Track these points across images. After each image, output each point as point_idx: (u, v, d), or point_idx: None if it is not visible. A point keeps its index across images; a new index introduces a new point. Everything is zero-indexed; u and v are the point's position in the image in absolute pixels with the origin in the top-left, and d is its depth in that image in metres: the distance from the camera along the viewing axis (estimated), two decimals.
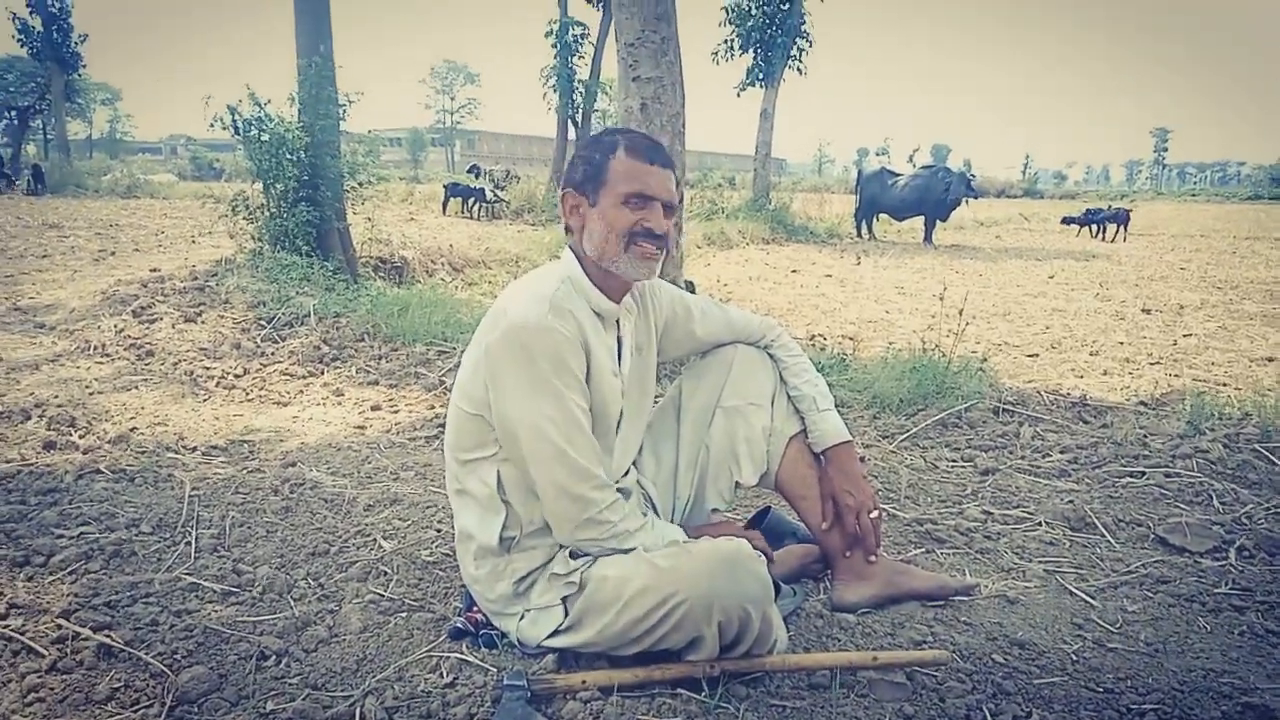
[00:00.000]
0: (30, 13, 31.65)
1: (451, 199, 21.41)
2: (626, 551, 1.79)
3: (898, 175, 18.61)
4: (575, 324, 1.79)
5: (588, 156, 1.88)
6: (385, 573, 2.32)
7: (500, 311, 1.81)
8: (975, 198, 18.43)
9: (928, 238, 17.75)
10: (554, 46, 24.82)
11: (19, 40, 32.04)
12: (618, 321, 1.97)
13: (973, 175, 18.37)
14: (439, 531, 2.58)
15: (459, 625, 1.99)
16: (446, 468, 1.99)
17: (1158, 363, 5.82)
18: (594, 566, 1.80)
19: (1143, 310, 8.38)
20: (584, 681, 1.72)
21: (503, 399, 1.77)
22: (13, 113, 38.69)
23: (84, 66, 34.87)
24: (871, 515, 2.10)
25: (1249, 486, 3.07)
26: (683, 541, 1.85)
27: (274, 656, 1.89)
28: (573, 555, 1.85)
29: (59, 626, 1.95)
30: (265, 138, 7.43)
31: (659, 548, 1.80)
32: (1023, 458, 3.44)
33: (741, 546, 1.73)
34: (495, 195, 20.92)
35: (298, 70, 7.56)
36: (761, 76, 20.75)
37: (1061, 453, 3.47)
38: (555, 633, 1.84)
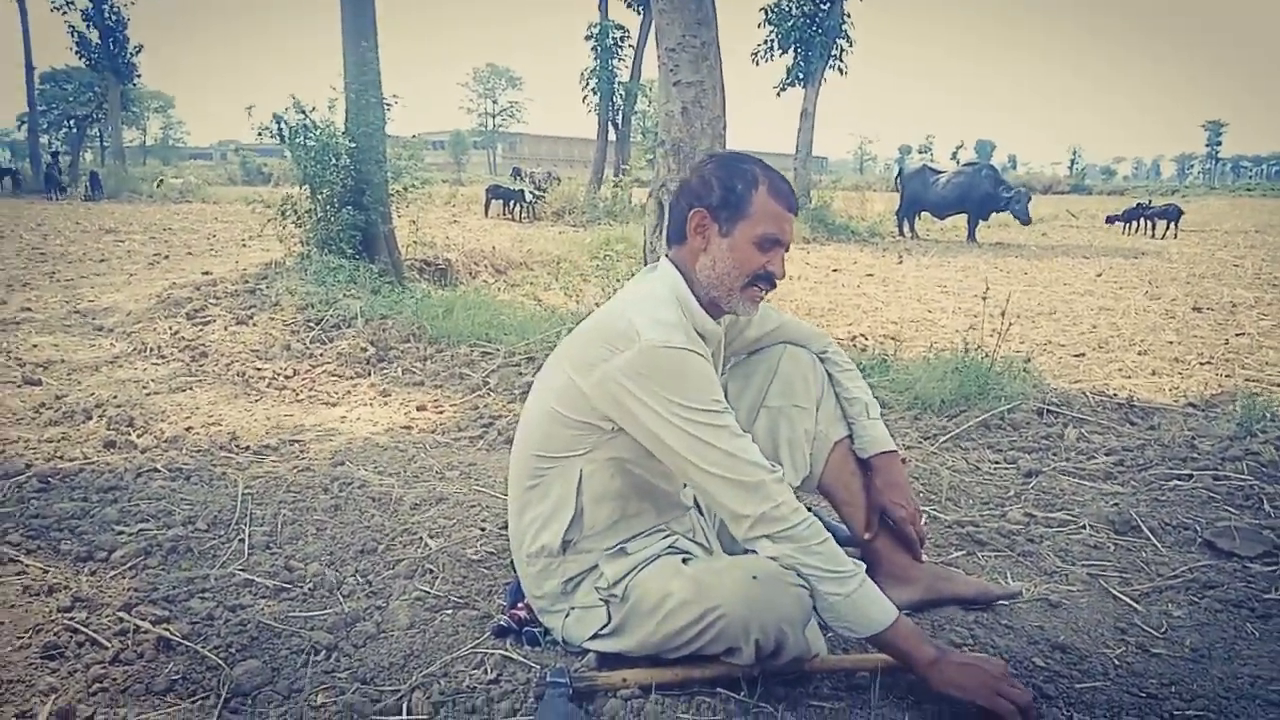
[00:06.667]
0: (87, 26, 32.55)
1: (493, 201, 21.72)
2: (806, 568, 1.69)
3: (939, 173, 18.40)
4: (703, 347, 1.79)
5: (728, 182, 1.80)
6: (431, 570, 2.38)
7: (628, 331, 1.73)
8: (1019, 204, 17.79)
9: (971, 236, 17.52)
10: (594, 49, 24.92)
11: (76, 52, 32.98)
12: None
13: (1009, 186, 17.83)
14: (483, 530, 2.63)
15: (503, 623, 2.03)
16: (517, 465, 1.96)
17: (1208, 363, 5.69)
18: (637, 576, 1.82)
19: (1194, 309, 8.19)
20: (625, 680, 1.75)
21: (652, 421, 1.71)
22: (71, 121, 40.04)
23: (139, 76, 35.73)
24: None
25: None
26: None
27: (324, 651, 1.95)
28: (614, 559, 1.86)
29: (120, 620, 2.03)
30: (311, 144, 7.58)
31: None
32: (1067, 460, 3.40)
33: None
34: (535, 196, 21.15)
35: (343, 76, 7.70)
36: (801, 76, 20.65)
37: (1107, 455, 3.42)
38: (597, 635, 1.86)
